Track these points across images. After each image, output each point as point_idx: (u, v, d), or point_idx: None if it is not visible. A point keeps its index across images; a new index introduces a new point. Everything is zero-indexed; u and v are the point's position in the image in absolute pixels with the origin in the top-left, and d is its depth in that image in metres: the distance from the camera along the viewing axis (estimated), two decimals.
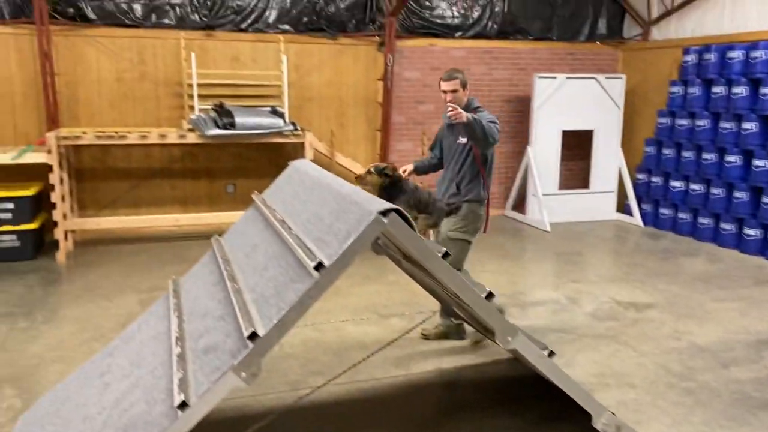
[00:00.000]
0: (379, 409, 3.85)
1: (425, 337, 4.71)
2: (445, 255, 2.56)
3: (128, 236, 7.61)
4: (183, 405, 2.31)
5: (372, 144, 8.50)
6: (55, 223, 6.61)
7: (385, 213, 2.45)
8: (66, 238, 6.73)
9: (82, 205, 7.48)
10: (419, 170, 4.71)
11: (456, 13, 8.69)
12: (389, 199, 3.16)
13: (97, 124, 7.40)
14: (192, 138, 7.00)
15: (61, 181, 6.58)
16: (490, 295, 2.67)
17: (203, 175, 8.00)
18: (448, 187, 4.49)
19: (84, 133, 6.72)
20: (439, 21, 8.62)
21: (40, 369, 4.24)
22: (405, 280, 6.05)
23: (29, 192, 6.61)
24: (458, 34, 8.73)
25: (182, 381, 2.46)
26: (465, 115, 3.99)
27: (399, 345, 4.44)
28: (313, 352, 4.55)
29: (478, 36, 8.80)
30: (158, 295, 5.61)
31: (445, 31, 8.66)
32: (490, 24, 8.84)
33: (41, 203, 6.96)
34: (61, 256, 6.65)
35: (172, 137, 6.98)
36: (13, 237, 6.56)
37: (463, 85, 4.37)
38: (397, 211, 2.45)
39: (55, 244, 6.75)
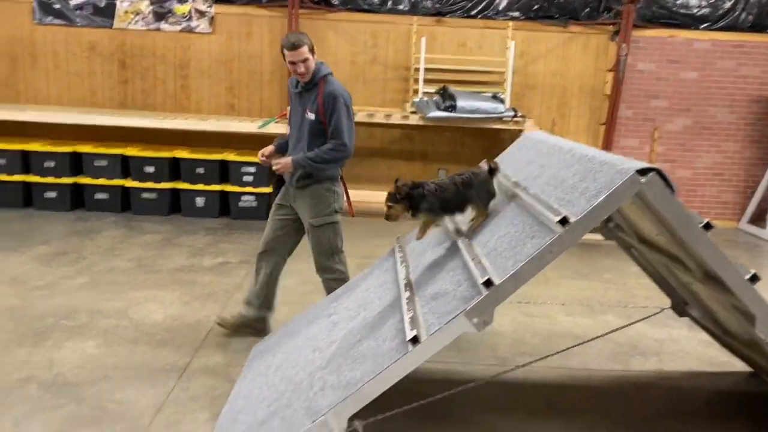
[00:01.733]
0: (593, 398, 3.63)
1: (221, 325, 4.15)
2: (707, 226, 2.31)
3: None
4: (415, 340, 2.35)
5: (594, 137, 8.09)
6: None
7: (642, 172, 2.27)
8: None
9: None
10: (281, 148, 4.10)
11: (704, 3, 7.93)
12: (415, 210, 2.95)
13: None
14: (414, 120, 7.23)
15: None
16: (754, 278, 2.35)
17: (418, 158, 8.22)
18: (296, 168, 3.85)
19: None
20: (683, 11, 7.94)
21: None
22: (623, 279, 5.68)
23: None
24: (704, 25, 7.96)
25: (413, 319, 2.50)
26: (290, 164, 3.79)
27: (615, 341, 4.17)
28: (522, 334, 4.44)
29: (727, 28, 7.95)
30: (373, 261, 5.87)
31: (689, 21, 7.94)
32: (743, 15, 7.94)
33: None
34: None
35: (396, 118, 7.28)
36: (252, 198, 7.29)
37: (312, 50, 3.71)
38: (657, 171, 2.26)
39: None
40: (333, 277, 4.05)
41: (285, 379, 3.00)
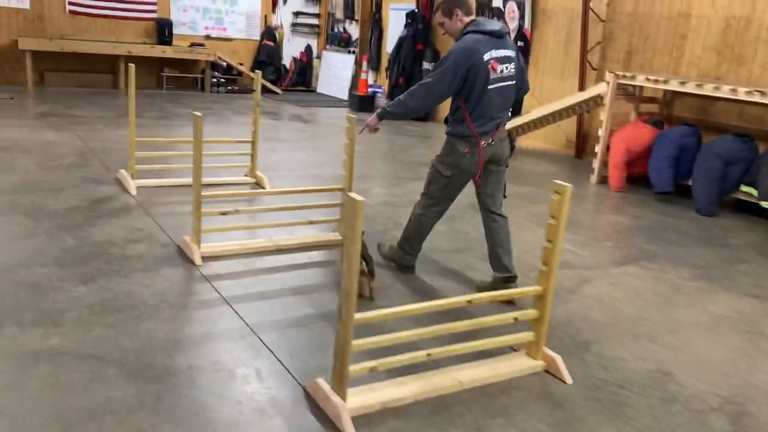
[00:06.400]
0: None
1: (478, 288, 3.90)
2: None
3: None
4: None
5: None
6: None
7: None
8: None
9: None
10: None
11: None
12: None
13: None
14: None
15: None
16: None
17: None
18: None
19: None
20: None
21: None
22: None
23: None
24: None
25: None
26: (371, 122, 3.79)
27: None
28: None
29: None
30: None
31: None
32: None
33: None
34: None
35: None
36: None
37: (447, 13, 3.66)
38: None
39: None
40: (414, 212, 3.94)
41: None
